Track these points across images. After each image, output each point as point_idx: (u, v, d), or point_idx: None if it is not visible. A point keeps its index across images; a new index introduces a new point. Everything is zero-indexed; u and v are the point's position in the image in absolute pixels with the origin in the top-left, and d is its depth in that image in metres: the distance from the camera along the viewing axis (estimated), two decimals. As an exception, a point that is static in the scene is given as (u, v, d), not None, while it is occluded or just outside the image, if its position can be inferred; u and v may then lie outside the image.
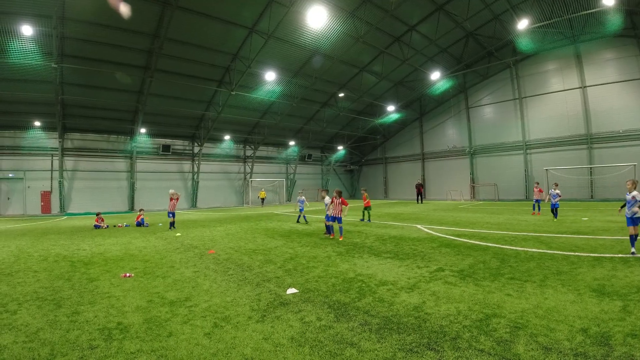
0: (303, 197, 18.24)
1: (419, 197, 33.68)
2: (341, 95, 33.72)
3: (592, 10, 23.51)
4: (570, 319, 4.30)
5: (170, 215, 15.51)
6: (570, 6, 24.53)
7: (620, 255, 7.72)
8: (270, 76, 26.92)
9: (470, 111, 37.39)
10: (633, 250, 7.56)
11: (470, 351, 3.56)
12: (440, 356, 3.48)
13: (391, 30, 27.01)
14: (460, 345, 3.69)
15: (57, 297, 5.74)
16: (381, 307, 4.94)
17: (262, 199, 37.76)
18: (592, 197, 29.05)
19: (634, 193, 7.54)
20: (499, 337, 3.86)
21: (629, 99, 28.03)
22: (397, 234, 12.36)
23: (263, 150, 40.98)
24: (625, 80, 28.07)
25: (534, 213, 18.25)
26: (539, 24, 25.73)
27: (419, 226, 14.35)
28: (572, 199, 28.51)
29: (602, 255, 7.77)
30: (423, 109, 40.81)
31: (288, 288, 5.90)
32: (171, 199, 15.55)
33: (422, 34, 27.87)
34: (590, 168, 29.45)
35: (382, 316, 4.58)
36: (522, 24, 24.67)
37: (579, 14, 24.15)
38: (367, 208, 17.13)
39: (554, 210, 15.47)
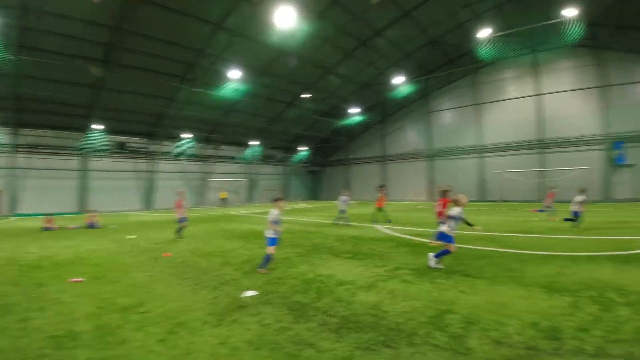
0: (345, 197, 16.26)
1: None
2: (306, 96, 33.73)
3: (553, 21, 24.43)
4: (520, 314, 4.49)
5: (183, 220, 12.43)
6: (532, 17, 25.52)
7: (569, 253, 8.20)
8: (235, 74, 26.42)
9: (430, 115, 38.81)
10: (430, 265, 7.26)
11: (425, 347, 3.65)
12: (397, 353, 3.53)
13: (358, 33, 27.37)
14: (415, 342, 3.77)
15: (5, 302, 5.38)
16: (340, 306, 4.96)
17: (223, 200, 37.01)
18: (543, 199, 30.52)
19: (457, 210, 7.12)
20: (453, 332, 3.99)
21: (583, 106, 30.25)
22: (357, 234, 12.49)
23: (225, 150, 40.15)
24: (580, 89, 30.27)
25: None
26: (500, 33, 26.60)
27: (378, 226, 14.59)
28: (524, 200, 30.16)
29: (551, 253, 8.22)
30: (386, 112, 41.73)
31: (246, 290, 5.78)
32: (179, 201, 12.65)
33: (388, 38, 28.47)
34: (542, 172, 31.44)
35: (340, 316, 4.60)
36: (485, 32, 25.63)
37: (540, 24, 24.99)
38: (379, 209, 16.81)
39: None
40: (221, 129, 36.68)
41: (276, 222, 7.02)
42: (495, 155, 34.37)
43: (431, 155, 38.60)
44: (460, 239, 10.56)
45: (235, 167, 41.59)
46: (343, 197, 15.95)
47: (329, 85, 33.44)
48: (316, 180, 51.32)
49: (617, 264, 7.14)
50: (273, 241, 7.09)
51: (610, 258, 7.69)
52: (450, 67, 33.94)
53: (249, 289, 5.90)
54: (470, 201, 32.84)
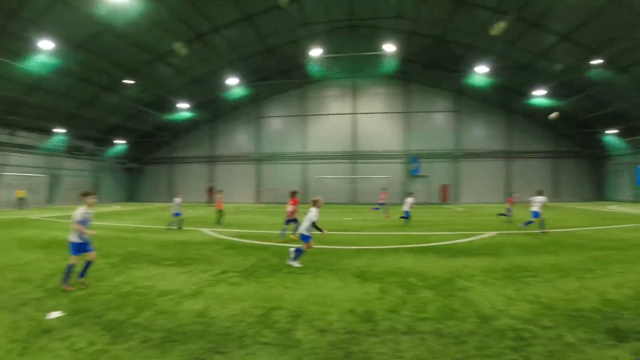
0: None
1: (211, 200, 33.37)
2: (130, 82, 29.36)
3: (374, 53, 29.39)
4: (339, 303, 5.02)
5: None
6: (358, 46, 29.90)
7: (376, 247, 9.68)
8: (47, 44, 21.11)
9: (261, 120, 40.05)
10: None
11: (255, 346, 3.66)
12: (228, 358, 3.43)
13: (196, 25, 25.63)
14: (246, 343, 3.75)
15: None
16: (163, 319, 4.49)
17: (20, 200, 28.77)
18: (354, 201, 36.38)
19: (315, 210, 7.68)
20: (281, 328, 4.14)
21: (390, 127, 38.06)
22: (180, 238, 11.66)
23: (23, 137, 31.35)
24: (389, 112, 38.00)
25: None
26: (329, 55, 29.95)
27: (204, 229, 14.04)
28: (339, 202, 34.25)
29: (361, 247, 9.52)
30: (217, 112, 40.37)
31: (51, 312, 4.65)
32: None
33: (226, 38, 27.78)
34: (354, 178, 37.29)
35: (164, 329, 4.17)
36: (316, 52, 28.34)
37: (363, 54, 29.77)
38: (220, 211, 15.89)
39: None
40: (21, 110, 28.53)
41: (83, 223, 5.74)
42: (317, 162, 38.27)
43: (259, 159, 39.80)
44: (285, 239, 11.16)
45: (33, 160, 32.62)
46: (177, 199, 14.61)
47: (158, 74, 30.26)
48: (134, 179, 44.14)
49: (416, 254, 8.82)
50: (77, 247, 5.79)
51: (410, 250, 9.44)
52: (283, 77, 35.66)
53: (54, 309, 4.76)
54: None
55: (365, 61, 33.20)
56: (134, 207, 28.61)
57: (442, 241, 10.89)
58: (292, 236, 11.13)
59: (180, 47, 25.79)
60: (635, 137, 31.85)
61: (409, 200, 16.05)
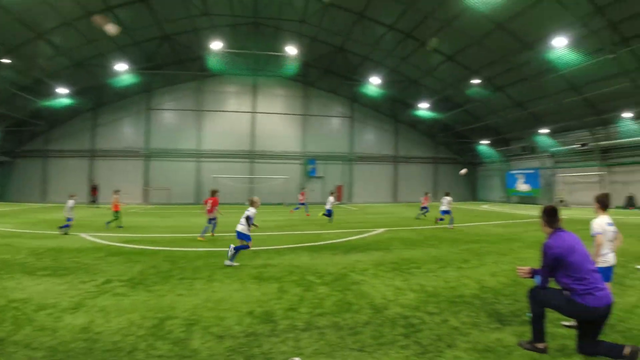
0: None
1: (95, 200, 29.50)
2: (6, 61, 23.98)
3: (277, 54, 29.65)
4: (237, 306, 4.81)
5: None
6: (261, 45, 29.63)
7: (274, 247, 9.60)
8: None
9: (151, 113, 36.40)
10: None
11: (147, 360, 3.28)
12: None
13: (87, 1, 22.26)
14: (138, 357, 3.38)
15: None
16: (44, 336, 3.83)
17: None
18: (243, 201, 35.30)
19: (252, 210, 7.71)
20: (176, 338, 3.80)
21: (288, 128, 38.46)
22: (56, 245, 9.96)
23: None
24: (288, 114, 38.32)
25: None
26: (230, 50, 29.10)
27: (82, 234, 12.24)
28: (236, 202, 33.16)
29: (259, 248, 9.31)
30: (101, 100, 35.41)
31: None
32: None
33: (119, 19, 24.62)
34: (251, 178, 36.54)
35: (47, 347, 3.57)
36: (216, 45, 27.17)
37: (265, 53, 29.76)
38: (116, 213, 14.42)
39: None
40: None
41: None
42: (212, 161, 36.44)
43: (148, 155, 36.22)
44: (177, 243, 10.43)
45: None
46: (70, 201, 12.79)
47: (38, 54, 25.46)
48: (5, 174, 35.57)
49: (312, 252, 8.99)
50: None
51: (307, 248, 9.59)
52: (178, 68, 33.30)
53: None
54: (187, 204, 33.45)
55: (267, 60, 33.26)
56: (4, 207, 23.84)
57: (336, 239, 11.36)
58: (211, 235, 11.57)
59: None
60: (504, 148, 38.74)
61: (332, 199, 17.47)
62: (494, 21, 21.90)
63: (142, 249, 9.39)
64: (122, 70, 28.95)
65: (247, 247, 7.56)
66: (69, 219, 12.39)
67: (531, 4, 19.59)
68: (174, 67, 33.28)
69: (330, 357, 3.35)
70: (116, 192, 15.59)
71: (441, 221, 15.53)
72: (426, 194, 21.96)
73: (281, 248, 9.57)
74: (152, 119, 36.37)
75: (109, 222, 14.16)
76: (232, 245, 7.38)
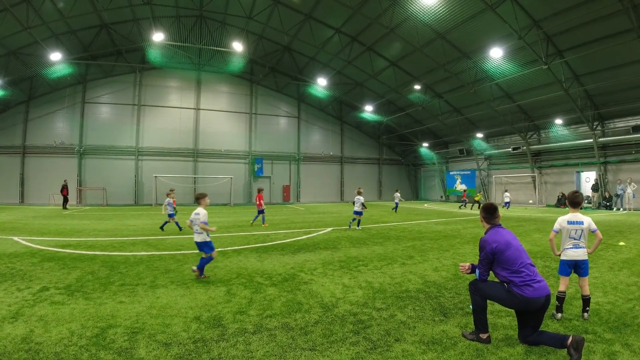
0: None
1: (66, 202, 26.95)
2: None
3: (222, 49, 28.82)
4: (183, 311, 4.63)
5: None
6: (205, 39, 28.68)
7: (219, 249, 9.23)
8: None
9: (86, 106, 33.38)
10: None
11: (87, 373, 3.05)
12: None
13: None
14: None
15: None
16: None
17: None
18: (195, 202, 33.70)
19: (203, 212, 7.16)
20: (119, 347, 3.59)
21: (233, 126, 37.28)
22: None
23: None
24: (234, 112, 37.25)
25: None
26: (172, 43, 27.85)
27: (15, 238, 11.05)
28: (180, 204, 31.64)
29: (204, 251, 8.97)
30: (33, 92, 32.06)
31: None
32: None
33: (55, 4, 22.55)
34: (195, 178, 34.98)
35: None
36: (158, 36, 25.79)
37: (210, 47, 28.87)
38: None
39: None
40: None
41: None
42: (153, 159, 34.35)
43: (81, 152, 33.43)
44: (116, 247, 9.84)
45: None
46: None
47: None
48: None
49: (260, 253, 8.87)
50: None
51: (254, 249, 9.45)
52: (116, 59, 31.21)
53: None
54: (125, 205, 31.47)
55: (212, 55, 32.18)
56: None
57: (284, 239, 11.33)
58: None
59: None
60: (443, 150, 41.11)
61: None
62: (436, 31, 23.06)
63: (78, 254, 8.67)
64: (56, 59, 26.37)
65: (210, 259, 6.55)
66: None
67: (471, 15, 20.77)
68: (112, 57, 31.23)
69: (282, 359, 3.35)
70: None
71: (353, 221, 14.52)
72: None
73: (228, 250, 9.35)
74: (87, 113, 33.24)
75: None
76: (194, 268, 6.49)
